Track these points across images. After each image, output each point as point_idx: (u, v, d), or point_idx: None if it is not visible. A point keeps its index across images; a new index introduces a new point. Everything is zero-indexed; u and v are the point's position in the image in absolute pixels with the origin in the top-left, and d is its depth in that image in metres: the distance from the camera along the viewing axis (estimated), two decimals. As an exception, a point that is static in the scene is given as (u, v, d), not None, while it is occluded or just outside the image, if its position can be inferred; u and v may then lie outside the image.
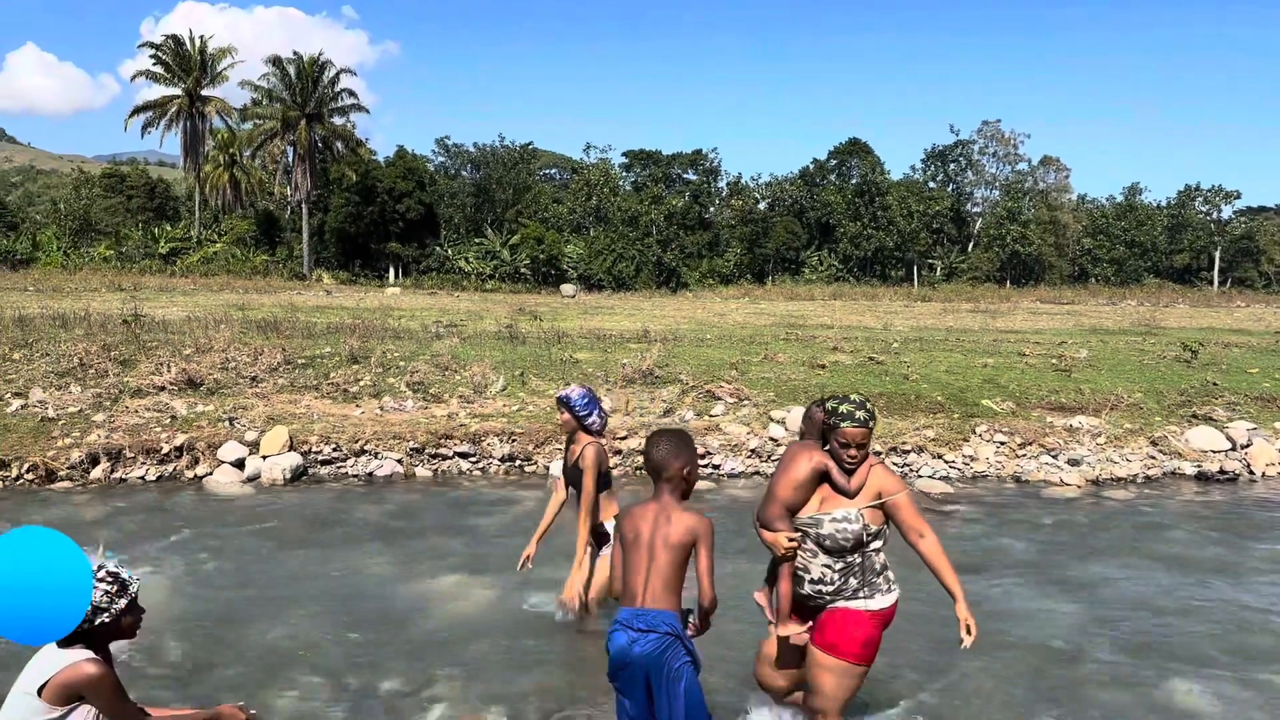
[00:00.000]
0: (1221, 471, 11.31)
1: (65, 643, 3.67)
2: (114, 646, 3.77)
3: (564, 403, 5.63)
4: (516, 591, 6.53)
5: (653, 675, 3.41)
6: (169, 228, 57.34)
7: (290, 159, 58.77)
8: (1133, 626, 6.16)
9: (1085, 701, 4.98)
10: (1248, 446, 11.82)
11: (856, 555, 3.89)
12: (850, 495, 3.89)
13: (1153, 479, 11.12)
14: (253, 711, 3.78)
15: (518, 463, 11.05)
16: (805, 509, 3.92)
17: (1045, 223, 67.38)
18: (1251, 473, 11.41)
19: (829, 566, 3.88)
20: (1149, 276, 65.20)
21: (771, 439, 11.65)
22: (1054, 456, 11.41)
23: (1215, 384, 14.07)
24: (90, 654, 3.63)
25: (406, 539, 8.14)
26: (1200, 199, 71.96)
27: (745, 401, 12.71)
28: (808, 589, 3.94)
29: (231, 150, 62.20)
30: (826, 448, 4.00)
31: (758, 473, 11.11)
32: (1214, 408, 12.98)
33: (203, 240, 56.09)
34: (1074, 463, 11.20)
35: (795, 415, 12.01)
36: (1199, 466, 11.38)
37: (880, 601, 3.92)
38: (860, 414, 3.88)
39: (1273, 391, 13.87)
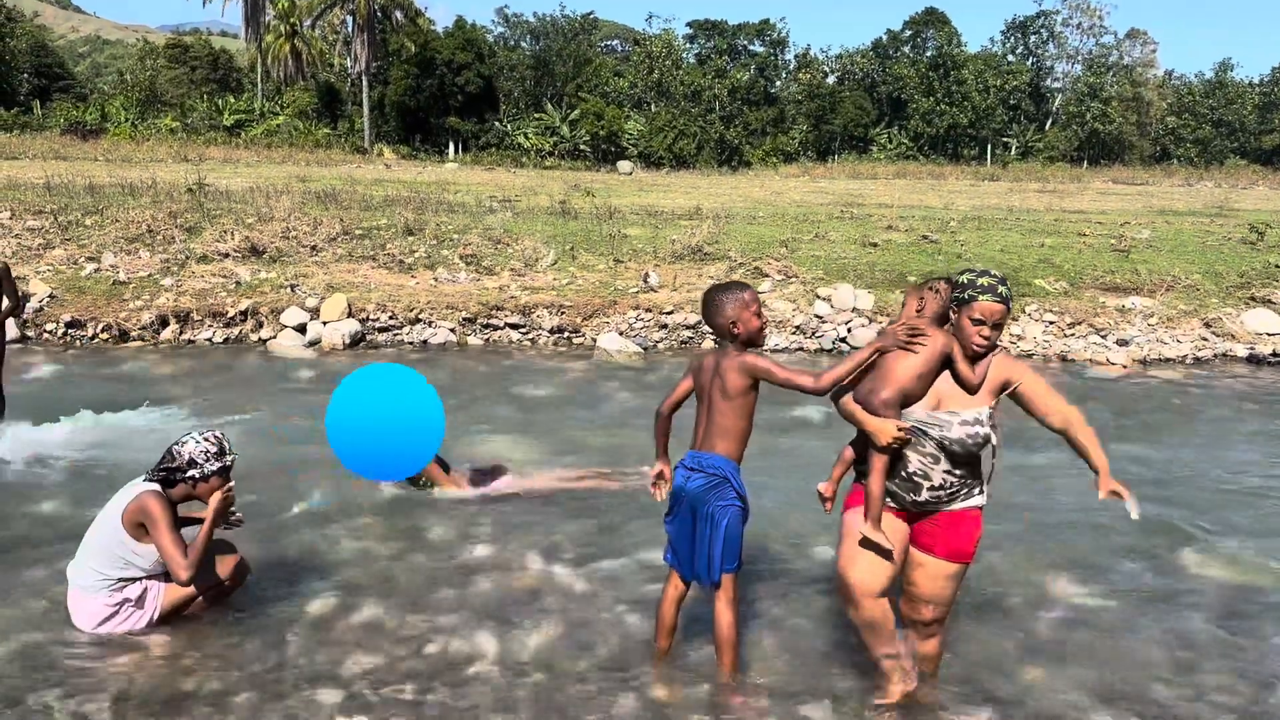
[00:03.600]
0: (1275, 354, 11.18)
1: (149, 479, 4.07)
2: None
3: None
4: (556, 457, 6.85)
5: (698, 509, 3.64)
6: (232, 99, 57.64)
7: (350, 29, 58.26)
8: (1157, 497, 6.29)
9: (1101, 567, 5.16)
10: (1305, 330, 11.62)
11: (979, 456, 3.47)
12: (973, 390, 3.38)
13: (1202, 360, 11.05)
14: (237, 515, 4.21)
15: (566, 334, 11.35)
16: (919, 405, 3.39)
17: (1128, 100, 64.38)
18: (1306, 357, 11.25)
19: (951, 472, 3.40)
20: (1235, 158, 62.29)
21: (817, 316, 11.75)
22: (1103, 336, 11.36)
23: (1278, 266, 13.72)
24: (157, 488, 4.01)
25: (459, 404, 8.48)
26: (1296, 75, 67.95)
27: (793, 279, 12.76)
28: (925, 495, 3.43)
29: (292, 20, 61.71)
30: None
31: (800, 348, 11.26)
32: (1275, 290, 12.70)
33: (265, 113, 56.37)
34: (1122, 343, 11.15)
35: (842, 293, 12.05)
36: (1251, 348, 11.26)
37: (984, 496, 3.56)
38: (1002, 289, 3.34)
39: (1340, 275, 13.49)
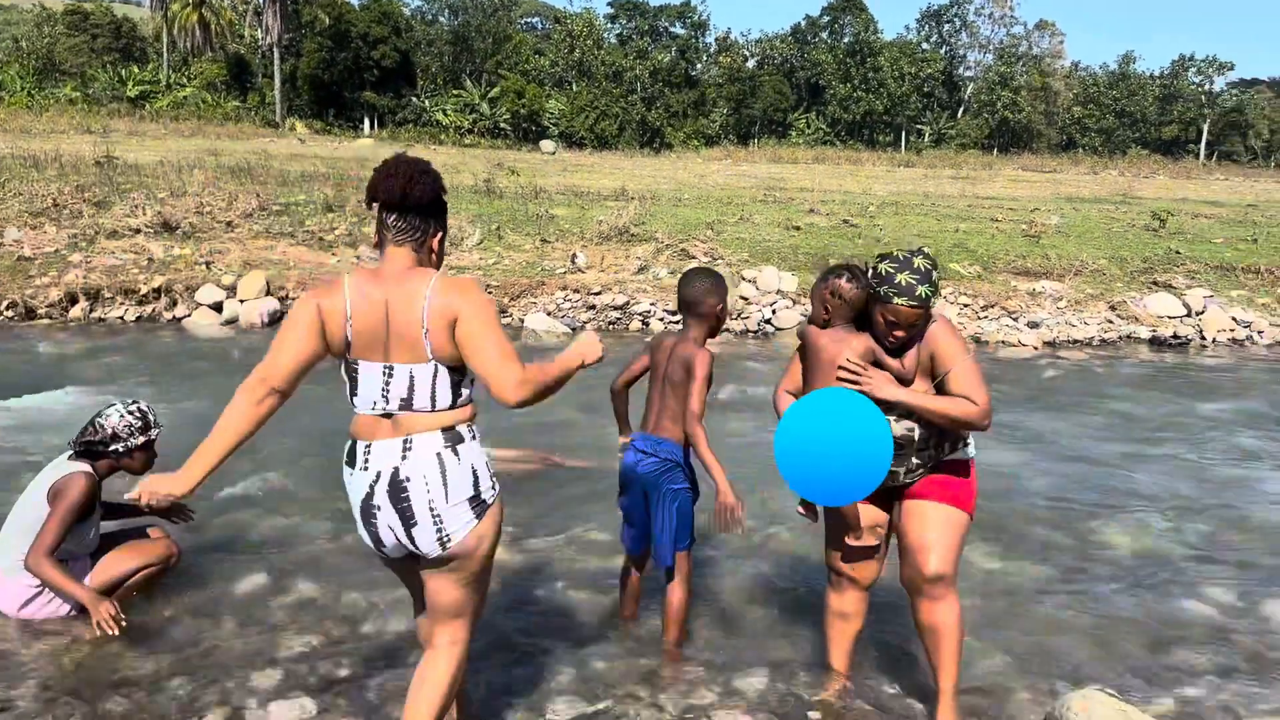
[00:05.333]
0: (1175, 336, 11.71)
1: (76, 457, 3.95)
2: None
3: None
4: (487, 436, 6.82)
5: (650, 492, 3.71)
6: (136, 70, 55.49)
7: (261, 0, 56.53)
8: (1067, 473, 6.58)
9: (1016, 535, 5.38)
10: (1202, 313, 12.20)
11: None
12: (909, 380, 3.18)
13: (1108, 342, 11.52)
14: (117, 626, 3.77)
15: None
16: None
17: (1037, 89, 66.37)
18: (1203, 338, 11.82)
19: (918, 458, 3.24)
20: (1136, 147, 64.71)
21: (743, 298, 11.89)
22: (1014, 319, 11.75)
23: (1178, 253, 14.36)
24: (87, 468, 3.90)
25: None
26: (1193, 70, 70.78)
27: (719, 260, 12.89)
28: (903, 480, 3.28)
29: (200, -11, 59.62)
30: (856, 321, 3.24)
31: (727, 329, 11.39)
32: (1175, 275, 13.30)
33: (172, 84, 54.43)
34: (1033, 325, 11.55)
35: (767, 275, 12.22)
36: (1153, 331, 11.77)
37: (971, 447, 3.36)
38: (922, 289, 3.02)
39: (1233, 261, 14.18)
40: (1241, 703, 3.73)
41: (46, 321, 10.07)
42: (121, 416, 3.95)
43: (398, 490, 2.66)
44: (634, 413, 3.94)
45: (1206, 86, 70.55)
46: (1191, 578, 4.90)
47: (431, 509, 2.65)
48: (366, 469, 2.71)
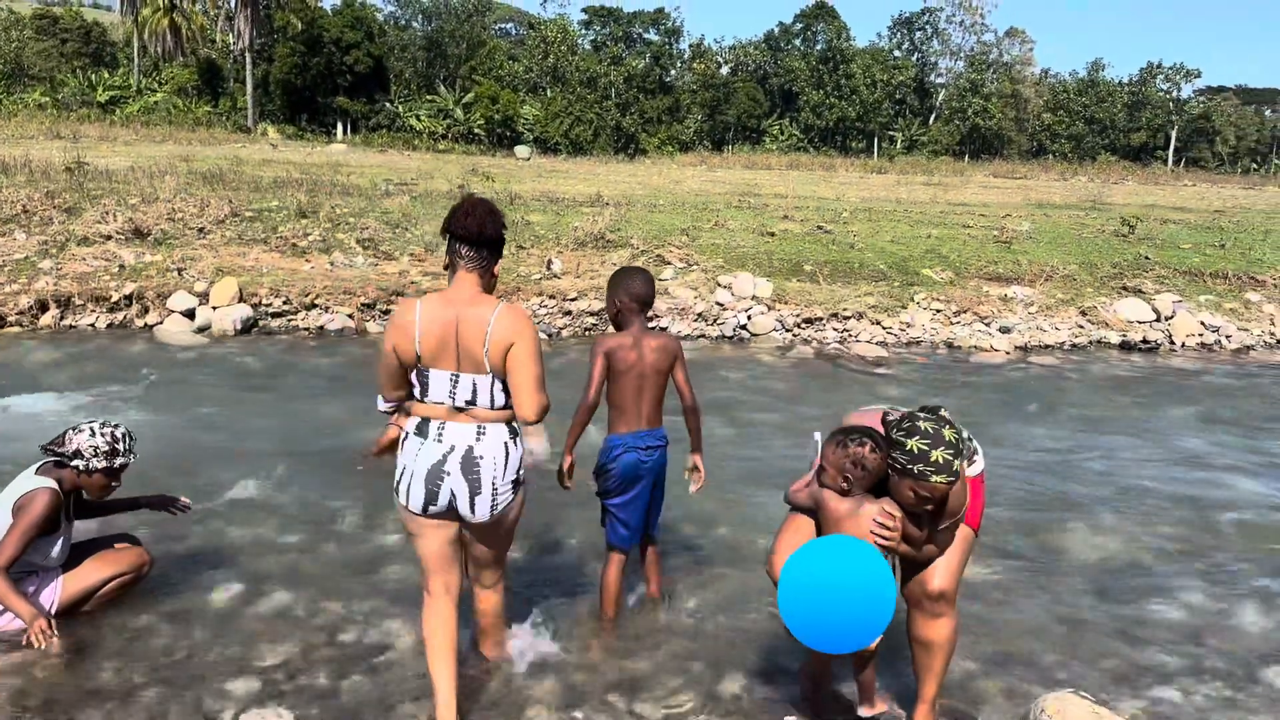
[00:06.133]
0: (1144, 341, 11.86)
1: (45, 467, 3.92)
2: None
3: None
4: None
5: (657, 478, 4.08)
6: (107, 75, 54.98)
7: (232, 4, 56.11)
8: (1038, 477, 6.65)
9: (988, 539, 5.40)
10: (1171, 318, 12.36)
11: None
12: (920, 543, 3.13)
13: (1079, 346, 11.66)
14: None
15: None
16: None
17: (1007, 96, 67.05)
18: (1172, 343, 11.98)
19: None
20: (1105, 154, 65.51)
21: (718, 303, 11.93)
22: (986, 324, 11.87)
23: (1147, 258, 14.55)
24: (52, 484, 3.86)
25: (358, 390, 8.34)
26: (1161, 77, 71.77)
27: (694, 266, 12.93)
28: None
29: (170, -7, 59.11)
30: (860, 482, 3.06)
31: (703, 335, 11.43)
32: (1144, 280, 13.46)
33: (143, 89, 53.94)
34: (1005, 330, 11.67)
35: (742, 281, 12.27)
36: (1124, 336, 11.92)
37: (981, 462, 3.29)
38: (958, 463, 2.88)
39: (1201, 266, 14.38)
40: (1212, 704, 3.79)
41: (16, 329, 9.94)
42: (91, 435, 3.90)
43: (470, 464, 3.27)
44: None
45: (1174, 94, 71.57)
46: (1162, 580, 4.97)
47: (494, 483, 3.31)
48: (440, 442, 3.28)
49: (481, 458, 3.27)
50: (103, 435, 3.92)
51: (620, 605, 4.24)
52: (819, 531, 3.14)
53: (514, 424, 3.35)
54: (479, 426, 3.27)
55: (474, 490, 3.29)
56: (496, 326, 3.19)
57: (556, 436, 4.02)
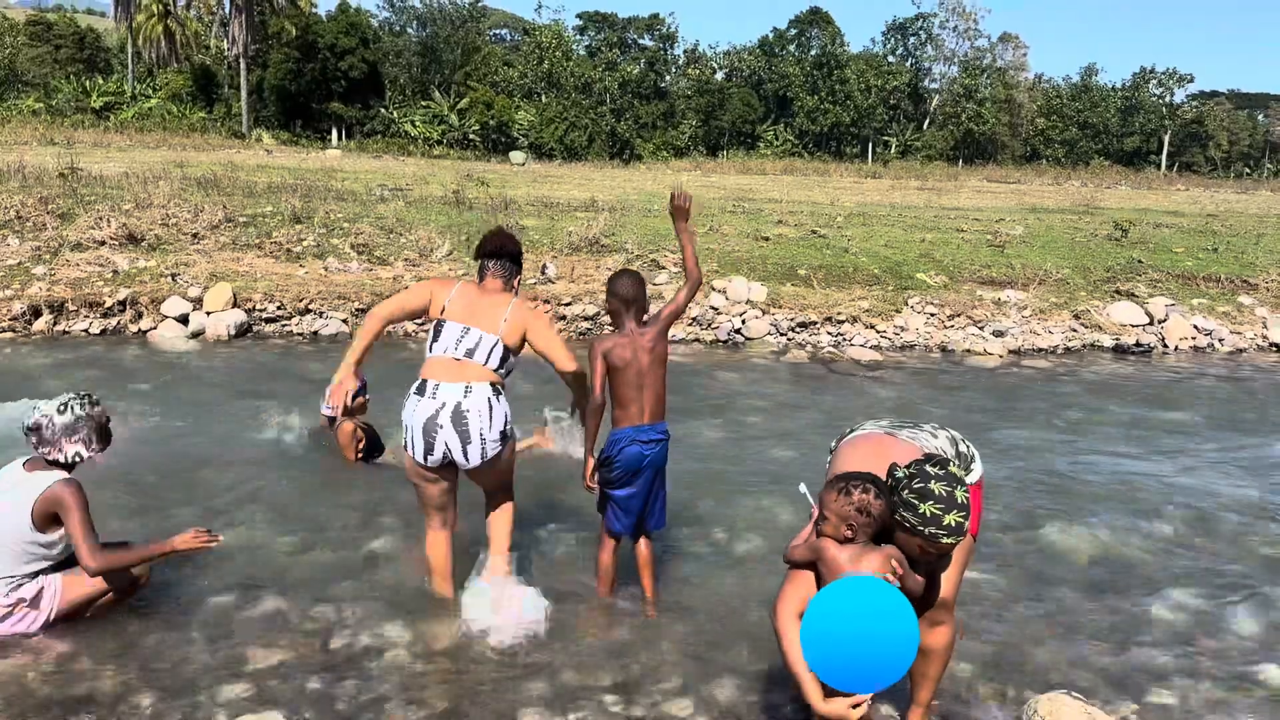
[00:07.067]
0: (1137, 344, 11.89)
1: (34, 465, 3.93)
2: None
3: None
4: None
5: (658, 469, 4.20)
6: (101, 81, 54.91)
7: (227, 10, 56.13)
8: (1032, 480, 6.66)
9: (982, 542, 5.39)
10: (1164, 321, 12.39)
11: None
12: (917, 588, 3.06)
13: (1072, 350, 11.68)
14: (215, 537, 4.04)
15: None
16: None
17: (1001, 101, 67.24)
18: (1165, 346, 12.02)
19: None
20: (1099, 158, 65.73)
21: (712, 308, 11.94)
22: (980, 328, 11.89)
23: (1140, 261, 14.59)
24: (69, 475, 3.90)
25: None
26: (1154, 82, 72.06)
27: (688, 270, 12.93)
28: None
29: (164, 0, 59.09)
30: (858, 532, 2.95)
31: (697, 340, 11.45)
32: (1137, 284, 13.50)
33: (137, 95, 53.90)
34: (998, 334, 11.69)
35: (736, 285, 12.28)
36: (1117, 339, 11.96)
37: (979, 469, 3.38)
38: (965, 522, 2.82)
39: (1194, 270, 14.43)
40: (1205, 705, 3.80)
41: (9, 335, 9.92)
42: (71, 435, 3.95)
43: (459, 417, 3.92)
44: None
45: (1167, 98, 71.87)
46: (1155, 582, 4.98)
47: (481, 434, 3.94)
48: (434, 399, 3.93)
49: (469, 411, 3.89)
50: (81, 420, 3.96)
51: (614, 587, 4.39)
52: (819, 584, 3.03)
53: (499, 386, 4.02)
54: (466, 385, 3.91)
55: (464, 440, 3.92)
56: (514, 312, 4.04)
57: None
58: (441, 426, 3.90)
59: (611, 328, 4.21)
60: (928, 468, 2.87)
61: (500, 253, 4.19)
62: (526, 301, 4.10)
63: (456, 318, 3.99)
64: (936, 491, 2.81)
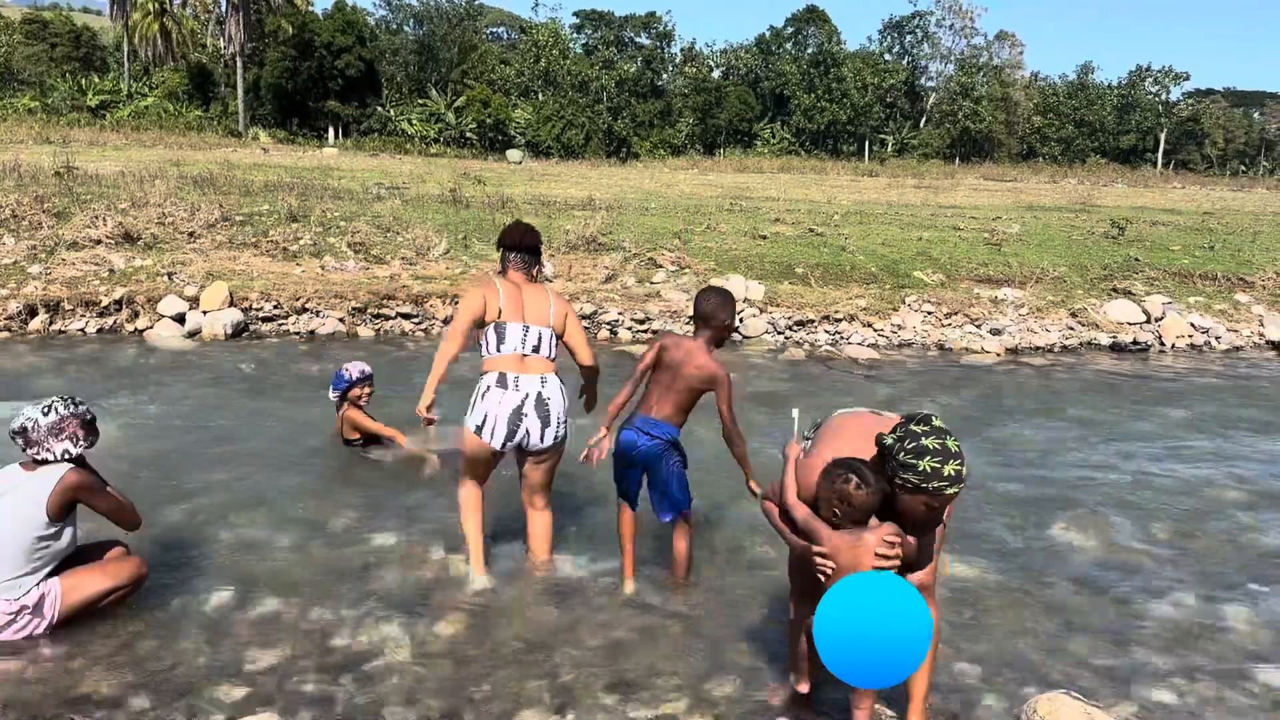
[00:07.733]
0: (1134, 342, 11.90)
1: (41, 466, 3.95)
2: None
3: None
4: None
5: (650, 466, 4.37)
6: (97, 79, 54.84)
7: (223, 8, 56.08)
8: (1029, 478, 6.66)
9: (980, 540, 5.44)
10: (1161, 319, 12.40)
11: None
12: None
13: (1069, 348, 11.69)
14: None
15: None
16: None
17: (997, 99, 67.27)
18: (1162, 344, 12.02)
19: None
20: (1095, 156, 65.76)
21: (709, 305, 11.92)
22: (977, 326, 11.89)
23: (1137, 259, 14.60)
24: (72, 465, 3.93)
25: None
26: (1150, 80, 72.08)
27: (686, 269, 12.94)
28: None
29: (160, -2, 58.98)
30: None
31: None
32: (1133, 282, 13.51)
33: (133, 93, 53.83)
34: (996, 332, 11.69)
35: (734, 284, 12.27)
36: (1114, 337, 11.96)
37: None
38: (964, 469, 2.89)
39: (1190, 268, 14.45)
40: (1203, 704, 3.80)
41: (5, 334, 9.90)
42: (57, 435, 3.96)
43: (542, 405, 4.36)
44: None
45: (1163, 96, 71.88)
46: (1154, 581, 4.98)
47: (558, 417, 4.41)
48: (517, 390, 4.35)
49: (550, 399, 4.37)
50: (80, 426, 3.97)
51: (634, 545, 4.59)
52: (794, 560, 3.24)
53: (559, 374, 4.46)
54: (542, 376, 4.37)
55: (545, 424, 4.37)
56: (555, 304, 4.53)
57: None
58: (526, 415, 4.32)
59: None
60: (913, 426, 2.93)
61: (519, 246, 4.56)
62: (558, 292, 4.55)
63: (514, 318, 4.39)
64: (930, 446, 2.86)
